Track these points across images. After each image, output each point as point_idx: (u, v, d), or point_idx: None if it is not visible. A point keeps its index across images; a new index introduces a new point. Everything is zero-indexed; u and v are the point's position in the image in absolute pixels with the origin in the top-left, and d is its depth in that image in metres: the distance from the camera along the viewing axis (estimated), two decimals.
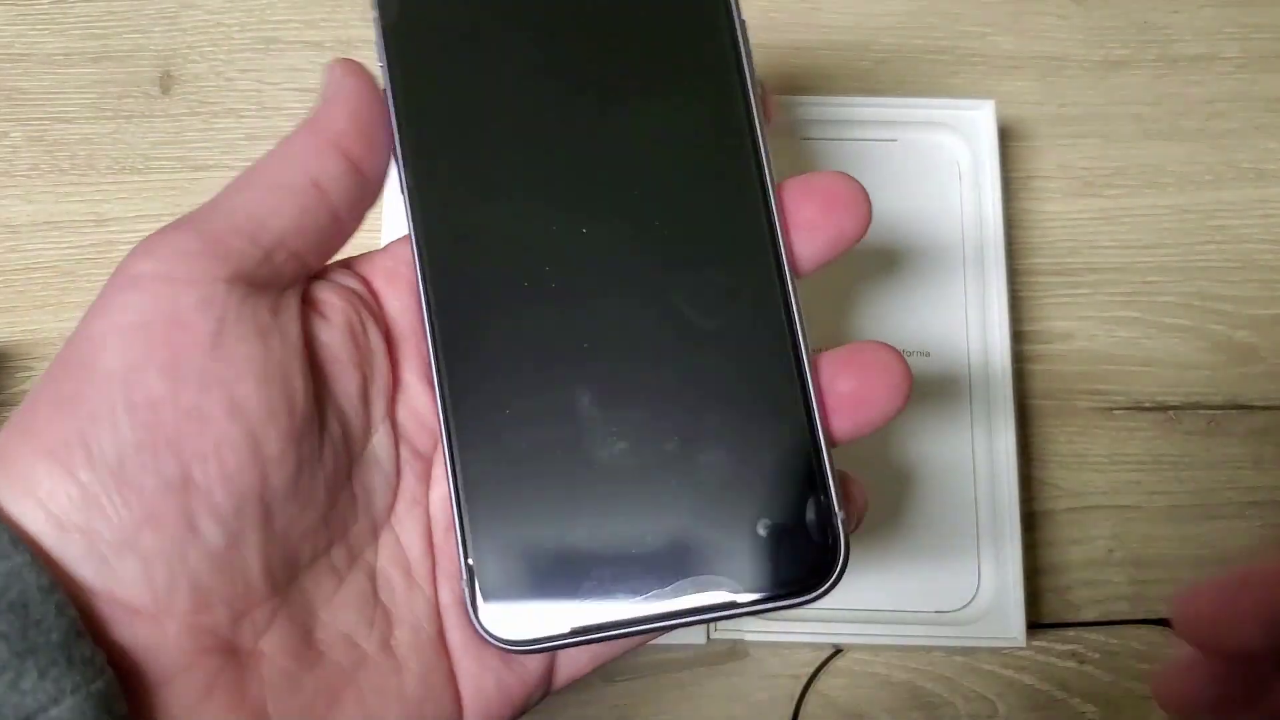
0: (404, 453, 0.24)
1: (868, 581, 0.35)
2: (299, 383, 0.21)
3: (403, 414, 0.24)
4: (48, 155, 0.41)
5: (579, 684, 0.37)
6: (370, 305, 0.24)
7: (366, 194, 0.23)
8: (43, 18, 0.43)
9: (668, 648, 0.36)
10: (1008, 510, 0.35)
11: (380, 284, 0.24)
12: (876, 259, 0.38)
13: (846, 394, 0.23)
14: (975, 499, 0.36)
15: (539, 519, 0.23)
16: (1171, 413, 0.39)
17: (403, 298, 0.24)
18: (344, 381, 0.22)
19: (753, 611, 0.23)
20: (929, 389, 0.37)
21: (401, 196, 0.24)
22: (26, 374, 0.39)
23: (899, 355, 0.23)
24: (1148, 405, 0.39)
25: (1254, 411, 0.39)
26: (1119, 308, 0.40)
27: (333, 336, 0.22)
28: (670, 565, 0.22)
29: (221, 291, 0.20)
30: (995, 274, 0.37)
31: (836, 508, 0.22)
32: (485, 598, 0.22)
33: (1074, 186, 0.42)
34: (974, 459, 0.36)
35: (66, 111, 0.42)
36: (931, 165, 0.39)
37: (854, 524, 0.23)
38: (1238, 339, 0.40)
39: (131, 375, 0.20)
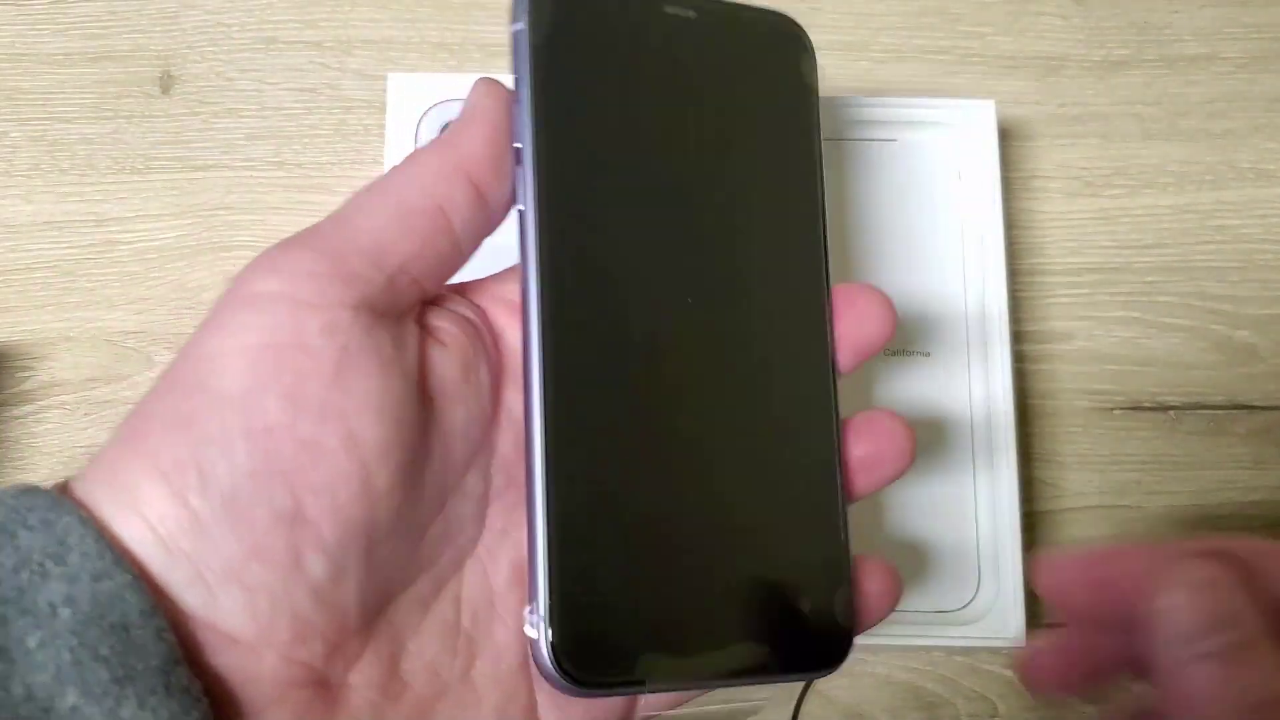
0: (498, 482, 0.23)
1: None
2: (412, 416, 0.21)
3: (501, 442, 0.23)
4: (48, 155, 0.41)
5: None
6: (483, 334, 0.23)
7: (489, 223, 0.23)
8: (43, 18, 0.43)
9: None
10: (1008, 510, 0.35)
11: (491, 309, 0.24)
12: (876, 259, 0.38)
13: (861, 458, 0.25)
14: (975, 499, 0.36)
15: (611, 570, 0.23)
16: (1172, 413, 0.39)
17: (512, 327, 0.24)
18: (454, 414, 0.22)
19: (776, 680, 0.26)
20: (928, 389, 0.37)
21: (520, 223, 0.24)
22: (26, 374, 0.39)
23: (904, 422, 0.26)
24: (1148, 405, 0.39)
25: (1254, 411, 0.39)
26: (1119, 308, 0.40)
27: (449, 369, 0.22)
28: (720, 631, 0.24)
29: (347, 318, 0.20)
30: (995, 274, 0.37)
31: (852, 597, 0.25)
32: (554, 637, 0.22)
33: (1074, 186, 0.42)
34: (974, 459, 0.36)
35: (66, 111, 0.42)
36: (931, 165, 0.39)
37: (884, 609, 0.26)
38: (1238, 339, 0.40)
39: (250, 400, 0.19)
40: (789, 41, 0.28)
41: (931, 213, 0.38)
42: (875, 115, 0.39)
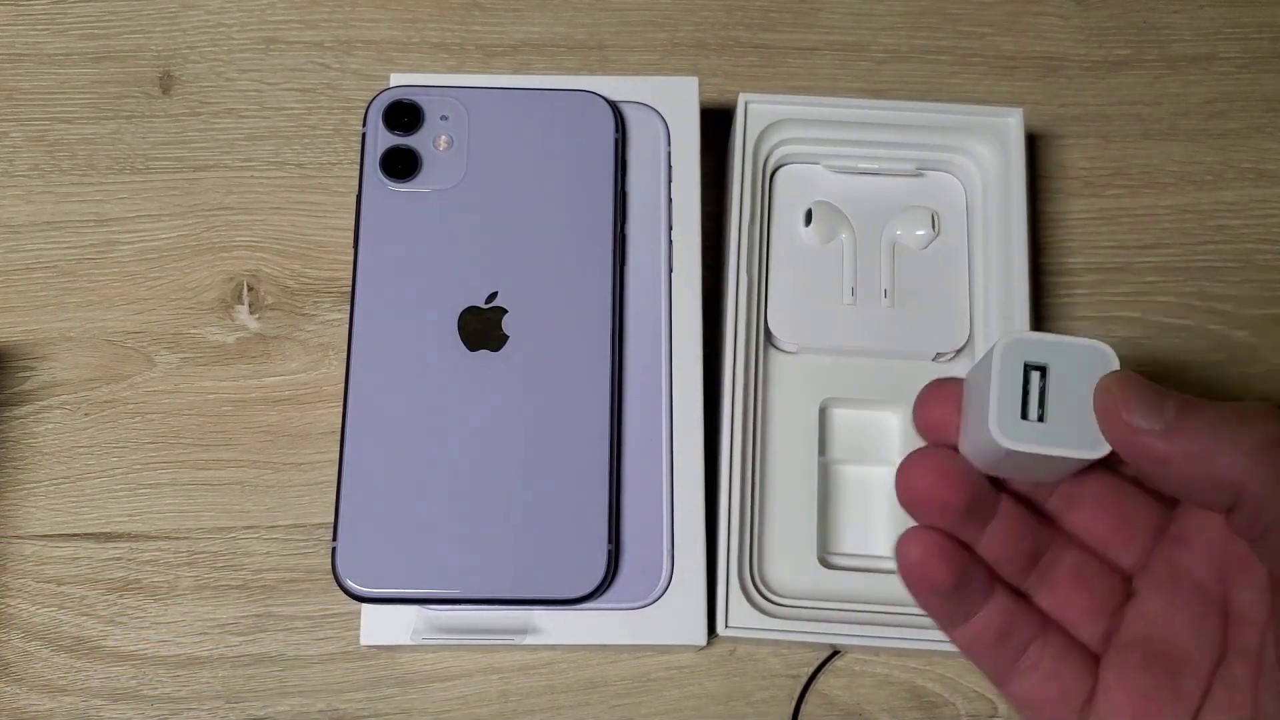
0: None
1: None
2: None
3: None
4: (48, 155, 0.41)
5: (578, 685, 0.37)
6: None
7: None
8: (43, 18, 0.43)
9: (668, 648, 0.36)
10: None
11: None
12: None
13: None
14: None
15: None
16: None
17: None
18: None
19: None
20: None
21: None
22: (27, 374, 0.39)
23: None
24: None
25: None
26: (1119, 308, 0.40)
27: None
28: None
29: None
30: (1018, 278, 0.36)
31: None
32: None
33: (1074, 186, 0.42)
34: None
35: (66, 111, 0.42)
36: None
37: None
38: (1237, 339, 0.40)
39: None
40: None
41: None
42: (900, 120, 0.38)
